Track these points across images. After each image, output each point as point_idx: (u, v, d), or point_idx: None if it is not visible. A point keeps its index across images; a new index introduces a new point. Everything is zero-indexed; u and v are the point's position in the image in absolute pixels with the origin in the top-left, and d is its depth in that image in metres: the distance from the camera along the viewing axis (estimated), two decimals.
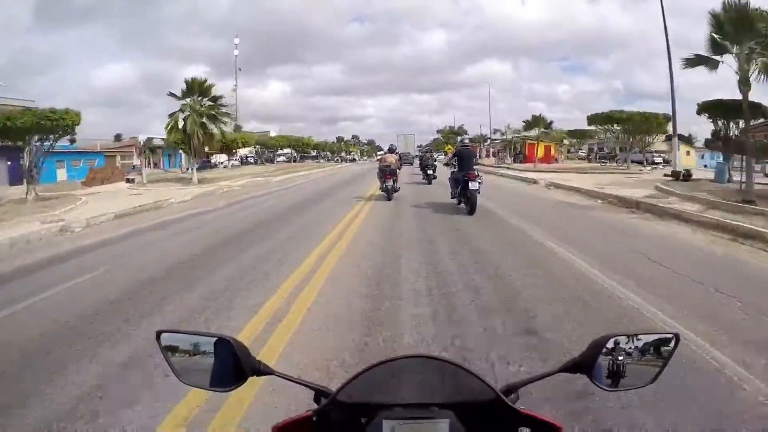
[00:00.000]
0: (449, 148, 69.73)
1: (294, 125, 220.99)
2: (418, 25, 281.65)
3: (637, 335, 1.02)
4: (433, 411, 0.94)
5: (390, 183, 14.64)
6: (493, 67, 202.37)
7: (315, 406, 1.01)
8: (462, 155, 11.99)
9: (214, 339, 1.05)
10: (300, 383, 1.06)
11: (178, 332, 1.09)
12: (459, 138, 19.73)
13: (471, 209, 10.87)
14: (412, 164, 43.81)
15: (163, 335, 1.08)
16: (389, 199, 14.44)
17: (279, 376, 1.06)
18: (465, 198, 11.28)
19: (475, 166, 11.62)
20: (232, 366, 1.03)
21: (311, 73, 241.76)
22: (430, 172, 22.41)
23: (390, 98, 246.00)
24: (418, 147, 79.34)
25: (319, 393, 1.03)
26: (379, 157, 21.04)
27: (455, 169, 12.19)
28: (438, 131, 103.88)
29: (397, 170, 15.33)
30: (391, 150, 16.95)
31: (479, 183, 10.95)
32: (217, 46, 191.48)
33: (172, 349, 1.07)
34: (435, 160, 25.09)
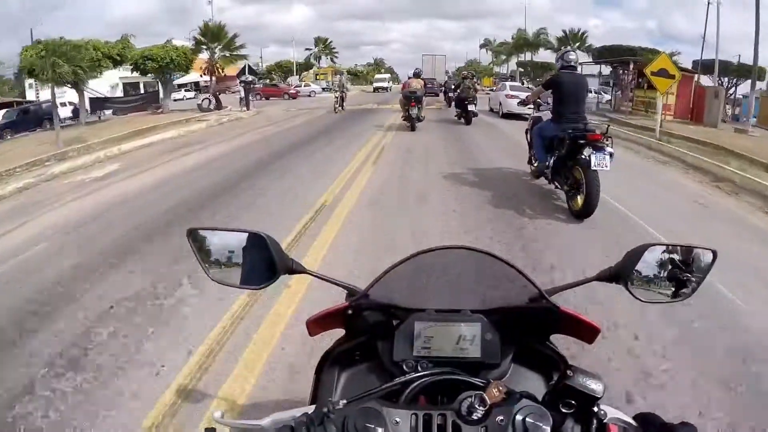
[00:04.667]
0: (488, 81, 61.01)
1: (316, 50, 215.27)
2: None
3: (675, 247, 1.01)
4: (465, 314, 0.96)
5: (414, 111, 13.79)
6: None
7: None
8: (564, 88, 6.05)
9: (247, 234, 1.05)
10: (332, 282, 1.08)
11: (209, 229, 1.08)
12: (559, 54, 6.84)
13: (586, 208, 5.39)
14: (438, 95, 31.73)
15: (195, 233, 1.08)
16: (413, 129, 13.69)
17: (311, 275, 1.08)
18: (569, 181, 5.79)
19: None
20: (265, 263, 1.03)
21: None
22: (471, 107, 15.95)
23: (415, 23, 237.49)
24: (447, 73, 65.36)
25: (352, 293, 1.06)
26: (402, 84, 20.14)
27: (541, 113, 7.10)
28: (467, 62, 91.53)
29: (423, 97, 14.40)
30: (417, 74, 15.29)
31: (611, 154, 5.31)
32: None
33: (203, 246, 1.07)
34: (477, 90, 18.35)
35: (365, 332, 1.01)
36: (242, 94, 25.44)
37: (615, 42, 52.63)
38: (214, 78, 28.22)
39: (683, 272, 1.00)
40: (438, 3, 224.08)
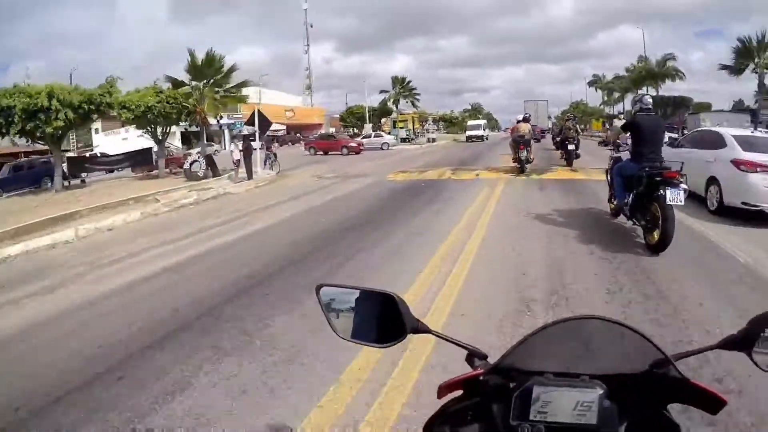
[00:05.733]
0: (596, 123, 54.35)
1: (419, 98, 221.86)
2: None
3: None
4: (584, 380, 0.92)
5: (524, 154, 14.51)
6: (624, 33, 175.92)
7: (467, 365, 1.05)
8: (642, 129, 6.45)
9: (375, 294, 1.08)
10: (454, 343, 1.08)
11: (338, 286, 1.12)
12: (636, 98, 7.38)
13: (662, 241, 5.72)
14: (539, 140, 30.62)
15: (323, 289, 1.10)
16: (522, 171, 14.30)
17: (435, 335, 1.09)
18: (646, 216, 6.10)
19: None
20: (391, 322, 1.04)
21: (437, 46, 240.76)
22: (571, 147, 16.50)
23: (516, 69, 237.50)
24: (550, 118, 63.52)
25: (472, 353, 1.06)
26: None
27: (620, 154, 7.99)
28: (571, 104, 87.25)
29: (531, 141, 15.36)
30: (526, 119, 16.12)
31: (685, 191, 5.83)
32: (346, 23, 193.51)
33: (331, 303, 1.10)
34: (579, 132, 19.02)
35: (481, 393, 0.99)
36: (235, 156, 16.98)
37: None
38: (205, 129, 20.47)
39: None
40: (537, 48, 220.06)
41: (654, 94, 47.30)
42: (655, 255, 5.74)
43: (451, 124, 74.73)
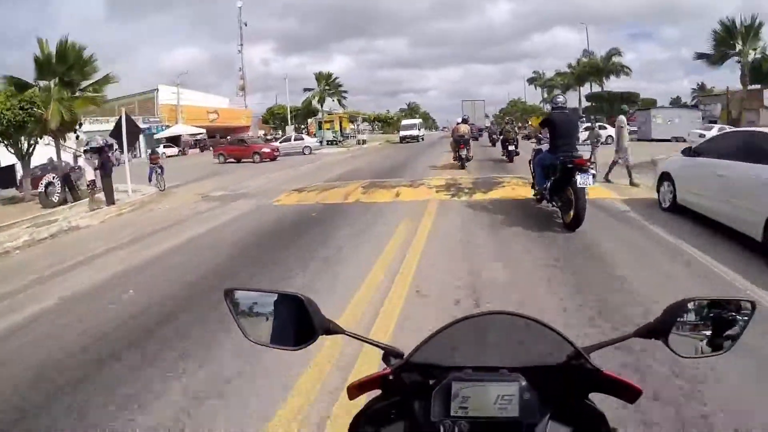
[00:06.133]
0: (535, 120, 53.45)
1: (357, 98, 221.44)
2: None
3: (713, 301, 0.99)
4: (503, 374, 0.93)
5: (464, 152, 16.26)
6: (558, 36, 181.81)
7: (383, 365, 1.03)
8: (557, 125, 7.35)
9: (282, 296, 1.06)
10: (369, 342, 1.09)
11: (246, 290, 1.10)
12: (550, 98, 12.34)
13: (575, 220, 6.68)
14: (477, 139, 32.08)
15: (232, 293, 1.08)
16: (462, 167, 15.90)
17: (348, 335, 1.08)
18: (562, 199, 7.09)
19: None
20: (302, 324, 1.03)
21: (375, 47, 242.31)
22: (511, 147, 18.17)
23: (453, 70, 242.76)
24: (487, 117, 64.54)
25: (389, 353, 1.05)
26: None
27: (540, 146, 8.75)
28: (509, 102, 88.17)
29: (470, 140, 17.12)
30: (465, 121, 18.25)
31: (593, 176, 6.84)
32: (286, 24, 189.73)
33: (241, 307, 1.07)
34: (517, 133, 21.34)
35: (401, 391, 0.99)
36: (89, 176, 13.19)
37: None
38: (62, 141, 16.31)
39: (722, 325, 0.98)
40: (473, 49, 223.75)
41: (600, 90, 46.64)
42: (570, 232, 6.66)
43: (386, 124, 71.84)
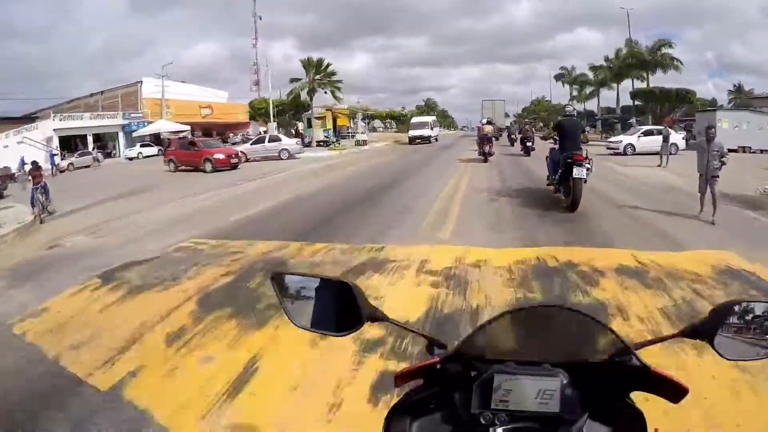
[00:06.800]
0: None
1: (377, 96, 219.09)
2: None
3: (760, 303, 0.96)
4: (546, 368, 0.92)
5: (486, 148, 18.96)
6: (581, 36, 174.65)
7: (427, 354, 1.02)
8: (565, 129, 9.30)
9: (330, 281, 1.06)
10: (413, 332, 1.12)
11: (293, 274, 1.08)
12: (565, 107, 13.16)
13: (573, 204, 8.46)
14: (498, 138, 30.13)
15: (280, 277, 1.07)
16: (485, 161, 18.48)
17: (393, 323, 1.08)
18: (565, 187, 8.87)
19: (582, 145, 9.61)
20: (348, 310, 1.03)
21: (396, 44, 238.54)
22: (529, 144, 21.64)
23: (474, 68, 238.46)
24: (508, 116, 62.09)
25: (432, 342, 1.05)
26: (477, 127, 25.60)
27: (555, 146, 9.95)
28: (533, 101, 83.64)
29: (494, 138, 20.72)
30: (489, 122, 21.79)
31: (588, 169, 8.45)
32: (306, 20, 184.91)
33: (287, 291, 1.07)
34: (534, 132, 24.65)
35: (443, 382, 0.98)
36: None
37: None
38: None
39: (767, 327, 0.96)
40: (495, 48, 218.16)
41: (644, 86, 39.70)
42: (570, 212, 8.26)
43: (400, 122, 65.11)
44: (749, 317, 0.94)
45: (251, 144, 27.07)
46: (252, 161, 24.45)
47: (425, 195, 11.03)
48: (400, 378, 0.99)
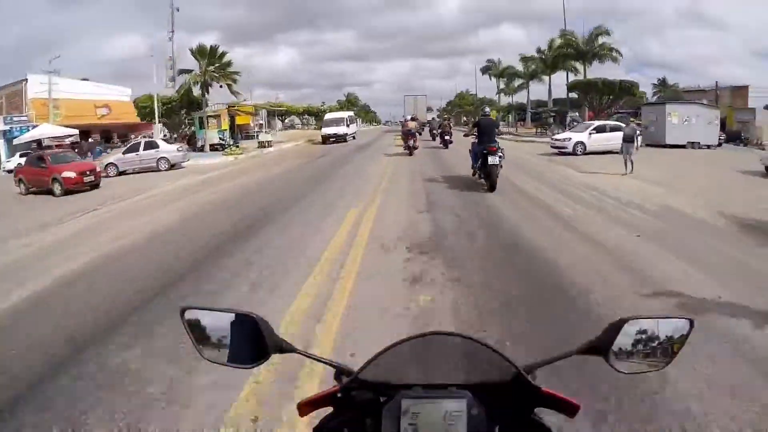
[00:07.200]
0: (493, 113, 47.67)
1: (302, 92, 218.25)
2: None
3: (652, 319, 1.02)
4: (451, 391, 0.96)
5: (411, 142, 21.76)
6: (505, 32, 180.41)
7: (335, 383, 1.03)
8: (482, 126, 11.83)
9: (237, 315, 1.05)
10: (321, 361, 1.11)
11: (201, 308, 1.08)
12: (483, 108, 19.16)
13: (491, 186, 11.00)
14: (420, 133, 31.38)
15: (187, 311, 1.07)
16: (410, 154, 21.08)
17: (301, 354, 1.08)
18: (485, 173, 11.29)
19: (497, 138, 11.62)
20: (255, 343, 1.03)
21: (323, 39, 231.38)
22: (447, 137, 24.98)
23: (400, 63, 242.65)
24: (429, 111, 62.80)
25: (340, 371, 1.07)
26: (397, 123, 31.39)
27: (475, 141, 12.24)
28: (456, 95, 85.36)
29: (417, 133, 23.78)
30: (413, 118, 24.52)
31: (500, 157, 11.06)
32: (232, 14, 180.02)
33: (195, 325, 1.06)
34: (451, 127, 27.85)
35: (353, 409, 1.00)
36: None
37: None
38: None
39: (661, 342, 1.02)
40: (419, 43, 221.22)
41: (578, 78, 38.52)
42: (489, 192, 10.89)
43: (319, 118, 62.25)
44: (640, 332, 1.00)
45: (123, 153, 23.13)
46: (127, 174, 21.23)
47: (332, 213, 9.34)
48: (305, 407, 1.01)
